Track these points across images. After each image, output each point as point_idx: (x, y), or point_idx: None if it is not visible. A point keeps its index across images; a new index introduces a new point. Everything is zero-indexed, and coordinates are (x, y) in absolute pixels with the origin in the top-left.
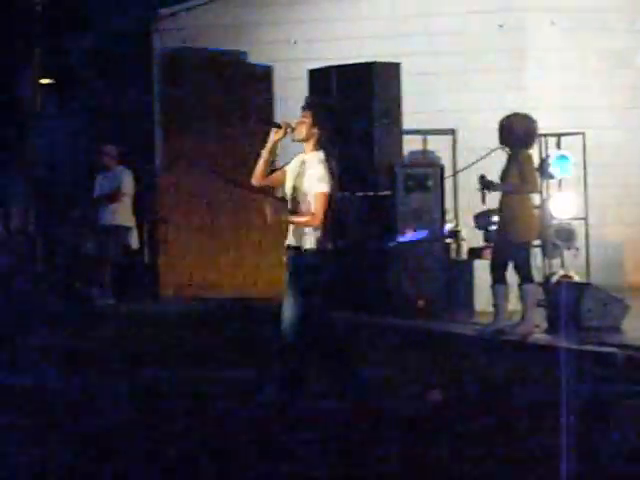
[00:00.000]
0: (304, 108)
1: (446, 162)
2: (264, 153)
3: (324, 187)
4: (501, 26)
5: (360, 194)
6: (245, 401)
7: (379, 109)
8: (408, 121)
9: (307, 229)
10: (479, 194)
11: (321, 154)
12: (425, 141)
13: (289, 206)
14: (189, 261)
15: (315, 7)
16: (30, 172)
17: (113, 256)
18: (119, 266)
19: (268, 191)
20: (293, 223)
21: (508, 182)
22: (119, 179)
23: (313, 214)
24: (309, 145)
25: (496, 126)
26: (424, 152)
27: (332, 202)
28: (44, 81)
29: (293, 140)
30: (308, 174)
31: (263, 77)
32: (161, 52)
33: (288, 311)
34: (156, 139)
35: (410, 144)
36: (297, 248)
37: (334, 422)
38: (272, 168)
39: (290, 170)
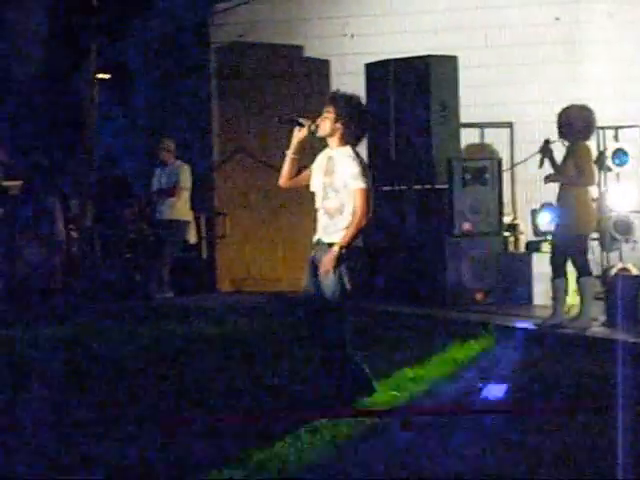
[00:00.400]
0: (327, 103)
1: (503, 155)
2: (289, 153)
3: (362, 183)
4: (558, 19)
5: (417, 187)
6: None
7: (436, 102)
8: (465, 114)
9: (340, 226)
10: (536, 187)
11: (349, 149)
12: (482, 134)
13: (319, 203)
14: (246, 255)
15: (371, 1)
16: (89, 167)
17: (171, 250)
18: (177, 260)
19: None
20: (351, 239)
21: (565, 174)
22: (177, 174)
23: (357, 214)
24: (334, 140)
25: (554, 118)
26: (481, 145)
27: (369, 198)
28: (101, 76)
29: (317, 136)
30: (340, 171)
31: (319, 71)
32: (217, 46)
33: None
34: (213, 133)
35: (467, 137)
36: (330, 244)
37: None
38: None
39: (317, 166)
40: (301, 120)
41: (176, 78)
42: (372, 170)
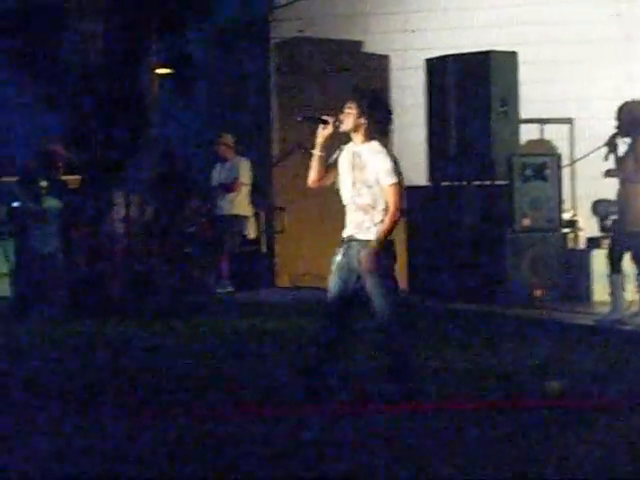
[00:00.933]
0: (349, 98)
1: (563, 151)
2: (316, 152)
3: (394, 178)
4: (618, 15)
5: (477, 183)
6: None
7: (496, 98)
8: (525, 110)
9: (375, 220)
10: (597, 183)
11: (377, 144)
12: (542, 130)
13: (348, 200)
14: (305, 251)
15: None
16: (149, 161)
17: (231, 245)
18: (237, 255)
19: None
20: (386, 235)
21: (624, 170)
22: (237, 169)
23: (391, 209)
24: (358, 136)
25: (613, 114)
26: (541, 141)
27: (402, 193)
28: (162, 71)
29: (341, 131)
30: (372, 166)
31: (379, 66)
32: (277, 42)
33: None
34: (272, 128)
35: (527, 133)
36: (367, 241)
37: None
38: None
39: (343, 163)
40: (325, 117)
41: (236, 73)
42: (432, 165)
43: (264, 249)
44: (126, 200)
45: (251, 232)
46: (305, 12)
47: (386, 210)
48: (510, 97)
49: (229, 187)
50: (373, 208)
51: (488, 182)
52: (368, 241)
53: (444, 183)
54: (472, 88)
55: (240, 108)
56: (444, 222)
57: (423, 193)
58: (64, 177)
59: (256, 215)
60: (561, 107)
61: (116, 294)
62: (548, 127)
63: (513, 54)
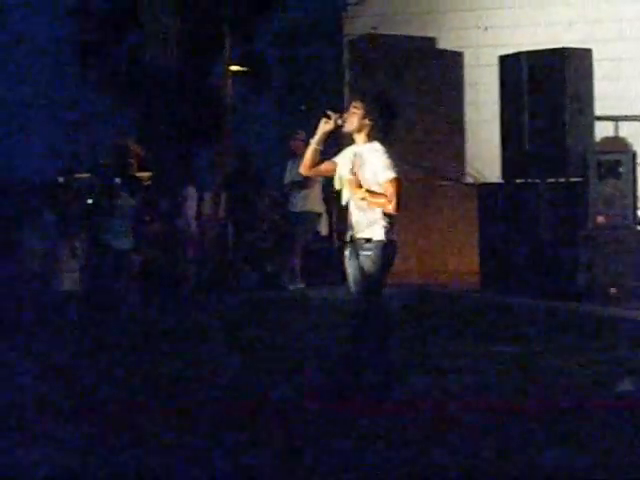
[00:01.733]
0: (355, 98)
1: (638, 148)
2: (313, 143)
3: (392, 173)
4: None
5: (551, 180)
6: None
7: (570, 95)
8: (599, 107)
9: (376, 219)
10: None
11: (376, 144)
12: (617, 127)
13: (347, 199)
14: None
15: None
16: (223, 158)
17: (303, 242)
18: (309, 252)
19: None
20: (368, 200)
21: None
22: None
23: (389, 199)
24: (361, 136)
25: None
26: (616, 138)
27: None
28: (236, 68)
29: (344, 131)
30: (369, 163)
31: (453, 63)
32: (351, 39)
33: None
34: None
35: (602, 130)
36: (366, 240)
37: None
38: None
39: (343, 163)
40: (328, 112)
41: (310, 70)
42: (505, 162)
43: (336, 246)
44: (200, 196)
45: (323, 228)
46: (379, 9)
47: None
48: (584, 94)
49: (303, 184)
50: (370, 207)
51: (562, 179)
52: (367, 239)
53: (518, 180)
54: (546, 85)
55: (312, 105)
56: (517, 219)
57: (496, 190)
58: (138, 174)
59: (329, 212)
60: (636, 104)
61: (189, 290)
62: (623, 124)
63: (588, 51)
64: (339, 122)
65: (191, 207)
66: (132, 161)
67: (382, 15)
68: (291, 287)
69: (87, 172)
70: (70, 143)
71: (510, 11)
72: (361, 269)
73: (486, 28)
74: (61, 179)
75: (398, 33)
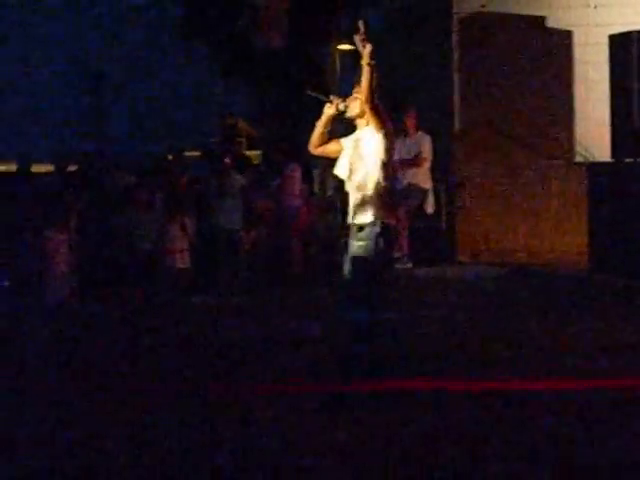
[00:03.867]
0: (356, 84)
1: None
2: (318, 126)
3: (384, 156)
4: None
5: None
6: None
7: None
8: None
9: (366, 200)
10: None
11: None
12: None
13: (347, 182)
14: (486, 226)
15: None
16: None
17: (410, 220)
18: (416, 231)
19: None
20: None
21: None
22: (419, 144)
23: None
24: (362, 121)
25: None
26: None
27: (389, 176)
28: (343, 47)
29: (347, 116)
30: (367, 144)
31: (562, 42)
32: (460, 16)
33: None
34: (455, 103)
35: None
36: (360, 227)
37: None
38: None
39: (346, 150)
40: (331, 97)
41: (419, 48)
42: (615, 141)
43: (443, 225)
44: (309, 176)
45: (429, 207)
46: None
47: (379, 191)
48: None
49: (413, 162)
50: (365, 186)
51: None
52: (361, 227)
53: (628, 160)
54: None
55: (422, 83)
56: (627, 199)
57: (606, 169)
58: (247, 152)
59: (436, 191)
60: None
61: (298, 267)
62: None
63: None
64: (341, 107)
65: (298, 187)
66: (242, 140)
67: None
68: (398, 266)
69: (197, 150)
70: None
71: None
72: (353, 255)
73: (595, 6)
74: (170, 157)
75: (507, 11)
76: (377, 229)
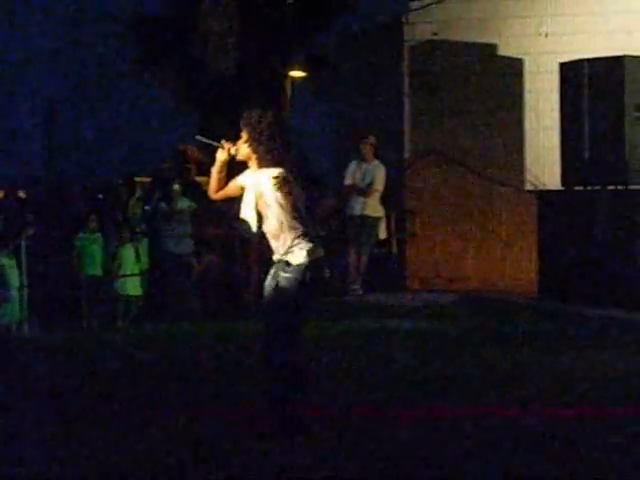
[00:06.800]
0: (242, 124)
1: None
2: (213, 172)
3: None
4: None
5: (610, 188)
6: None
7: (630, 103)
8: None
9: (293, 244)
10: None
11: (269, 171)
12: None
13: (251, 230)
14: (436, 254)
15: (564, 0)
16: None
17: (366, 247)
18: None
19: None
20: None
21: None
22: (374, 175)
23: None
24: (253, 163)
25: None
26: None
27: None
28: (296, 73)
29: (238, 159)
30: (267, 191)
31: (513, 70)
32: (411, 44)
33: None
34: (405, 131)
35: None
36: (287, 263)
37: None
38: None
39: (249, 193)
40: (222, 142)
41: (370, 76)
42: (565, 169)
43: (395, 251)
44: None
45: (381, 233)
46: (439, 15)
47: (295, 229)
48: None
49: (364, 191)
50: (281, 232)
51: (622, 187)
52: (287, 263)
53: (577, 187)
54: (606, 92)
55: (372, 110)
56: (577, 226)
57: (556, 197)
58: (197, 178)
59: (387, 217)
60: None
61: (251, 296)
62: None
63: None
64: (232, 151)
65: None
66: (191, 166)
67: (443, 21)
68: (350, 293)
69: (147, 176)
70: (130, 147)
71: (570, 18)
72: (276, 288)
73: (547, 35)
74: (121, 181)
75: (459, 39)
76: (304, 267)
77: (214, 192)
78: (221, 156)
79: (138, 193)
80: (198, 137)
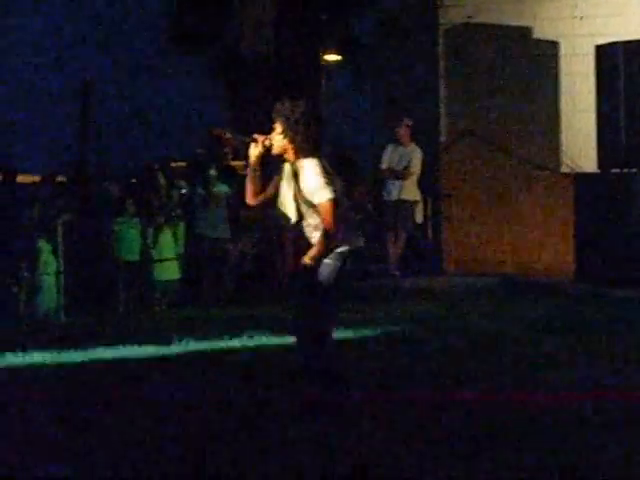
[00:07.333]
0: (274, 117)
1: None
2: (249, 172)
3: (328, 193)
4: None
5: None
6: None
7: None
8: None
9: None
10: None
11: (308, 161)
12: None
13: (289, 222)
14: (472, 237)
15: None
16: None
17: (405, 231)
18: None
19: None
20: (320, 254)
21: None
22: (410, 158)
23: (326, 220)
24: (289, 155)
25: None
26: None
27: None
28: (331, 57)
29: (273, 153)
30: (303, 182)
31: (549, 53)
32: (446, 27)
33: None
34: (441, 114)
35: None
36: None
37: None
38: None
39: (283, 184)
40: (254, 136)
41: (406, 59)
42: (601, 152)
43: (430, 235)
44: None
45: (418, 217)
46: None
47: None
48: None
49: (400, 175)
50: (318, 226)
51: None
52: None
53: (614, 170)
54: None
55: (408, 94)
56: (613, 209)
57: (592, 180)
58: (233, 163)
59: (423, 201)
60: None
61: (283, 280)
62: None
63: None
64: (267, 144)
65: None
66: (227, 150)
67: (478, 4)
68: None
69: (183, 160)
70: (166, 132)
71: (605, 0)
72: (316, 273)
73: (582, 17)
74: (157, 166)
75: (494, 22)
76: (345, 253)
77: (252, 197)
78: (255, 150)
79: (174, 178)
80: (228, 135)
